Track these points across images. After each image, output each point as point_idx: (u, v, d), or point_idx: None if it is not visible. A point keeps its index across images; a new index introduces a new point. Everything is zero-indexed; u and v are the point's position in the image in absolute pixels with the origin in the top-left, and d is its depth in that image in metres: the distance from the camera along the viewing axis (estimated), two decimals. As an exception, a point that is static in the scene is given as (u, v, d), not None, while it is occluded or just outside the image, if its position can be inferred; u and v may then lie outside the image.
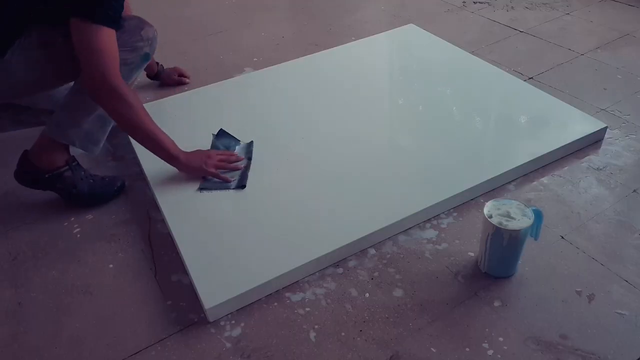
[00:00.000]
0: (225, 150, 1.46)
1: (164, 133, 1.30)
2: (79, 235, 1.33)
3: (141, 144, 1.30)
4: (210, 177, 1.37)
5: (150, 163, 1.45)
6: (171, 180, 1.39)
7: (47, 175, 1.34)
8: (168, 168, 1.38)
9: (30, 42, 1.20)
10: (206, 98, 1.73)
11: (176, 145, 1.33)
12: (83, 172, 1.38)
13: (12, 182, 1.37)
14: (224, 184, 1.36)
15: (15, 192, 1.46)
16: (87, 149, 1.36)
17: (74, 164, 1.37)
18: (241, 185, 1.36)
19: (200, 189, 1.36)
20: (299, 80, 1.81)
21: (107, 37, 1.15)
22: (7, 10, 1.16)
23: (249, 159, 1.45)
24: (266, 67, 1.93)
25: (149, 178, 1.41)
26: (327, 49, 2.01)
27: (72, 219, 1.38)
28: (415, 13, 2.35)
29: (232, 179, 1.37)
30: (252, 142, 1.50)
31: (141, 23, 1.36)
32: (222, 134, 1.52)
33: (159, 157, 1.33)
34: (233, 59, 2.07)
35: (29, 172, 1.34)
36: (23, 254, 1.29)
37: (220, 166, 1.38)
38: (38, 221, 1.38)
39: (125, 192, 1.45)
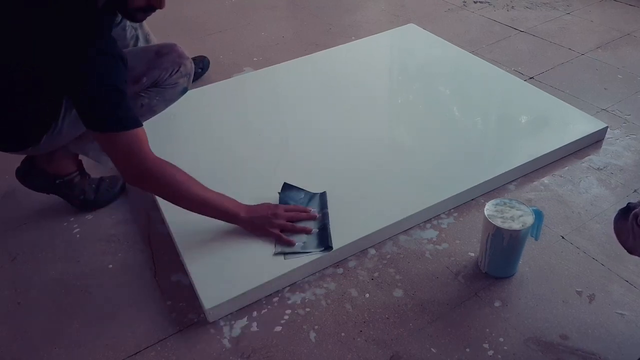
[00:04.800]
0: (296, 205, 1.27)
1: (218, 194, 1.16)
2: (78, 235, 1.33)
3: (199, 213, 1.16)
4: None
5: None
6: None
7: (57, 181, 1.33)
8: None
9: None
10: (206, 98, 1.73)
11: (236, 202, 1.19)
12: (89, 177, 1.38)
13: (12, 183, 1.36)
14: (306, 249, 1.17)
15: (15, 193, 1.46)
16: (99, 160, 1.35)
17: (82, 169, 1.37)
18: (327, 247, 1.16)
19: (281, 253, 1.16)
20: (298, 80, 1.81)
21: (127, 137, 1.05)
22: (51, 84, 1.10)
23: (324, 211, 1.25)
24: (266, 67, 1.92)
25: (149, 178, 1.41)
26: (327, 48, 2.01)
27: (72, 219, 1.37)
28: (415, 13, 2.35)
29: (301, 242, 1.18)
30: (324, 192, 1.31)
31: (179, 57, 1.31)
32: (287, 187, 1.33)
33: (223, 220, 1.19)
34: (233, 59, 2.06)
35: (37, 176, 1.33)
36: (23, 254, 1.29)
37: (287, 227, 1.20)
38: (38, 221, 1.38)
39: (125, 192, 1.45)
